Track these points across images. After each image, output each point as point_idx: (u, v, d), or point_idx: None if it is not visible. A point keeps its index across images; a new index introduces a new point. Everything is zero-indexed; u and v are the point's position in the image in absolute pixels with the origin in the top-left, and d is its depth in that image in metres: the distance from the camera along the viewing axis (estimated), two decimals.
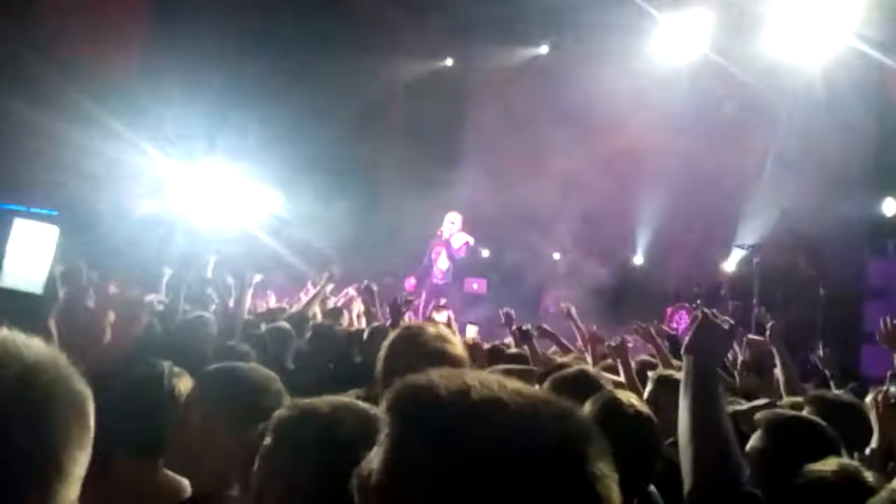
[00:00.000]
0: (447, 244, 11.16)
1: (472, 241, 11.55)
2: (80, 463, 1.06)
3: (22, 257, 1.84)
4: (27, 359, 1.05)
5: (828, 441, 2.39)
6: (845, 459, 2.26)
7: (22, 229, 1.85)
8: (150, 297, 5.87)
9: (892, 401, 3.12)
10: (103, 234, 9.67)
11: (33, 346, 1.08)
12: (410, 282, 11.17)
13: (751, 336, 5.35)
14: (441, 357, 2.24)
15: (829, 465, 2.13)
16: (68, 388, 1.07)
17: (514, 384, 0.97)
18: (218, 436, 1.92)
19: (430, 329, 2.44)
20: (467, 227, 11.75)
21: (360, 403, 1.60)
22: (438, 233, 11.16)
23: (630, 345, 4.95)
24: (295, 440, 1.51)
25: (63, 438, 1.04)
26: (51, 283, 1.88)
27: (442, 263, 11.18)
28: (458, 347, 2.36)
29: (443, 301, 9.64)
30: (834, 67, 11.11)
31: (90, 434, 1.09)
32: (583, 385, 2.86)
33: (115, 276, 7.58)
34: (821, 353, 5.74)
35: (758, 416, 2.63)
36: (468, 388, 0.94)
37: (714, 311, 2.18)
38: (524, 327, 5.34)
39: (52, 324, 1.87)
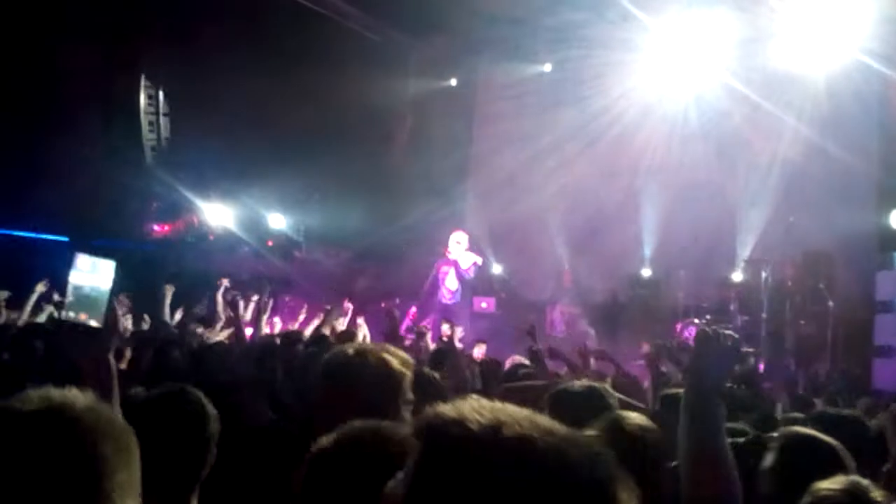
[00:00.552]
0: (455, 264, 11.12)
1: (480, 261, 11.55)
2: (129, 496, 1.13)
3: (85, 291, 1.91)
4: (71, 403, 1.13)
5: (839, 460, 2.41)
6: (854, 477, 2.28)
7: (84, 264, 1.93)
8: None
9: None
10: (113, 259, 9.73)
11: (75, 394, 1.15)
12: (412, 310, 11.07)
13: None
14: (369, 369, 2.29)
15: (836, 482, 2.15)
16: (113, 426, 1.15)
17: (546, 422, 0.97)
18: None
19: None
20: (473, 245, 11.77)
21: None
22: (446, 253, 11.12)
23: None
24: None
25: (109, 473, 1.11)
26: (111, 316, 1.93)
27: (451, 283, 11.14)
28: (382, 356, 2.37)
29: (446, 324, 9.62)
30: (839, 80, 11.17)
31: (137, 470, 1.16)
32: (591, 401, 2.88)
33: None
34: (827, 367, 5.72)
35: (776, 434, 2.65)
36: (500, 425, 0.94)
37: (716, 327, 2.15)
38: (534, 348, 5.41)
39: (111, 357, 1.90)
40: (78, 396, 1.15)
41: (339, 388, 2.26)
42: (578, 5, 12.52)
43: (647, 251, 12.83)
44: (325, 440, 1.65)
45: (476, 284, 12.05)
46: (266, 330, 7.58)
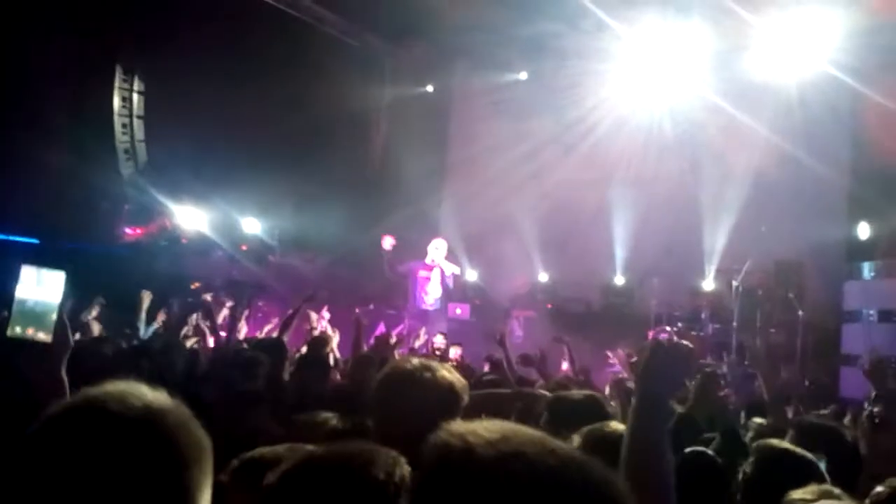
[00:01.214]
0: (441, 271, 11.04)
1: (458, 270, 11.56)
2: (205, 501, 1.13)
3: (29, 305, 1.85)
4: (153, 405, 1.11)
5: (814, 471, 2.45)
6: (827, 486, 2.31)
7: (29, 276, 1.87)
8: None
9: (877, 421, 3.19)
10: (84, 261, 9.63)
11: (156, 394, 1.14)
12: (381, 328, 10.94)
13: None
14: (430, 386, 2.24)
15: (809, 491, 2.18)
16: (191, 431, 1.13)
17: (561, 449, 0.94)
18: None
19: (416, 361, 2.43)
20: (449, 252, 11.76)
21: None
22: (430, 260, 11.03)
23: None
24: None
25: (189, 478, 1.10)
26: (60, 330, 1.88)
27: (434, 290, 11.05)
28: (444, 374, 2.33)
29: (423, 329, 9.56)
30: (811, 92, 11.37)
31: (211, 474, 1.15)
32: (591, 410, 2.89)
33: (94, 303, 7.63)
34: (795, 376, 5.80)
35: (754, 445, 2.68)
36: (511, 456, 0.90)
37: (673, 333, 2.16)
38: (494, 357, 5.51)
39: (63, 372, 1.85)
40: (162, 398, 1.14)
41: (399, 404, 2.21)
42: (553, 15, 12.61)
43: (621, 259, 12.93)
44: (285, 467, 1.54)
45: (451, 291, 12.04)
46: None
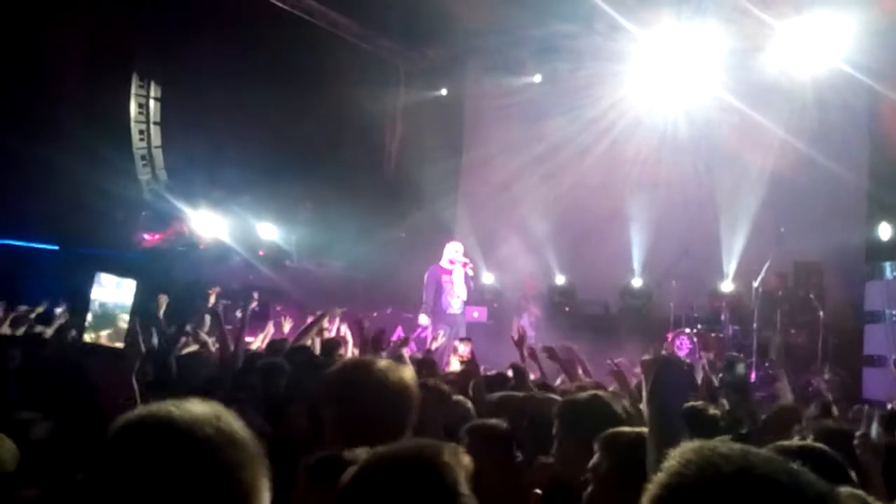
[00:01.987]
0: (464, 274, 10.92)
1: (471, 271, 11.49)
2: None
3: (107, 308, 1.86)
4: (223, 419, 1.15)
5: (836, 470, 2.40)
6: (857, 490, 2.27)
7: (108, 282, 1.88)
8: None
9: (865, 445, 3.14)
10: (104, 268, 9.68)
11: (222, 411, 1.18)
12: (399, 332, 10.85)
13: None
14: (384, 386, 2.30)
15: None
16: (254, 443, 1.18)
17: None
18: None
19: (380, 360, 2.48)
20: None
21: None
22: (451, 262, 10.92)
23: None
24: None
25: (255, 487, 1.14)
26: (132, 337, 1.88)
27: (460, 292, 10.90)
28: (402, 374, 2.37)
29: (442, 333, 9.48)
30: (828, 92, 11.29)
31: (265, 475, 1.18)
32: (597, 411, 2.87)
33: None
34: (826, 376, 5.72)
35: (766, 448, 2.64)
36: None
37: (693, 335, 2.20)
38: (519, 365, 5.45)
39: (134, 379, 1.85)
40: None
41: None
42: (567, 17, 12.60)
43: (638, 261, 12.86)
44: (357, 466, 1.59)
45: (468, 294, 12.01)
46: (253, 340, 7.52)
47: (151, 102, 11.72)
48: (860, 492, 2.28)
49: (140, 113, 11.67)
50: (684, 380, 2.12)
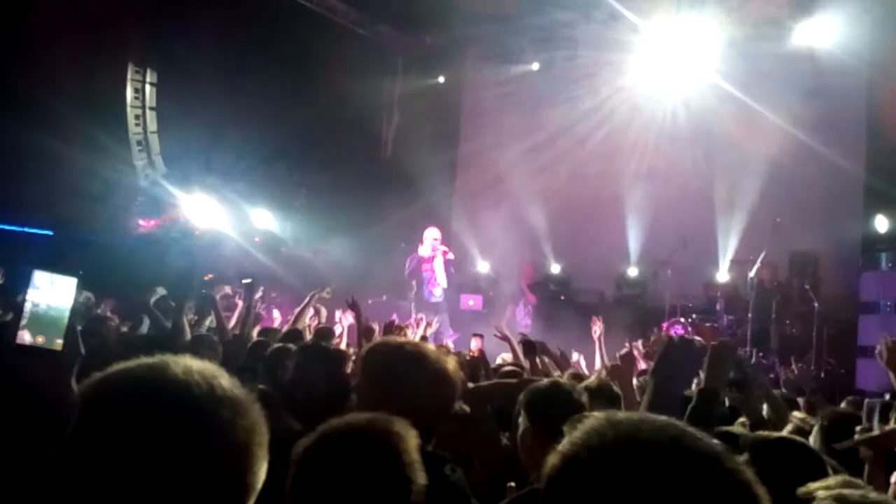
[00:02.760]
0: (445, 260, 11.05)
1: (451, 255, 11.59)
2: (261, 480, 1.12)
3: (40, 311, 1.80)
4: (227, 391, 1.09)
5: (813, 461, 2.40)
6: (847, 477, 2.26)
7: (41, 282, 1.82)
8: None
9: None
10: (98, 253, 9.68)
11: (221, 376, 1.11)
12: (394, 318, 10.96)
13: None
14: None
15: (828, 483, 2.13)
16: (255, 415, 1.11)
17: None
18: None
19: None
20: (457, 242, 11.77)
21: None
22: (433, 250, 11.03)
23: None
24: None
25: (253, 462, 1.09)
26: (71, 338, 1.83)
27: (441, 279, 11.06)
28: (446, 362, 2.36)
29: (435, 319, 9.53)
30: (828, 83, 11.28)
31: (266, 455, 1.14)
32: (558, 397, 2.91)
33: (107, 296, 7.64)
34: (793, 367, 5.70)
35: (742, 439, 2.64)
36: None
37: (687, 325, 2.21)
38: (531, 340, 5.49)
39: (73, 381, 1.80)
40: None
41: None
42: (565, 5, 12.55)
43: (635, 251, 12.85)
44: (311, 437, 1.63)
45: (463, 282, 12.06)
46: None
47: (147, 88, 11.67)
48: (850, 478, 2.27)
49: (136, 98, 11.62)
50: (693, 360, 2.10)
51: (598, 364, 6.07)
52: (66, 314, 1.80)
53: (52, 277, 1.78)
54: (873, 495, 2.10)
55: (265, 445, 1.11)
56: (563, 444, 0.97)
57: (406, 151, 14.25)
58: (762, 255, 10.50)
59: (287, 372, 4.80)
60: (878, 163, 10.90)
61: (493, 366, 5.82)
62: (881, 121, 10.86)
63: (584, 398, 2.95)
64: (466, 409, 3.33)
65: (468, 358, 5.57)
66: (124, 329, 6.50)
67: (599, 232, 12.70)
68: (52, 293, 1.77)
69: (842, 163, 11.09)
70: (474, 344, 6.53)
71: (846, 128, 11.42)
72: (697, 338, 2.17)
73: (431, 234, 11.22)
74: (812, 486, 2.13)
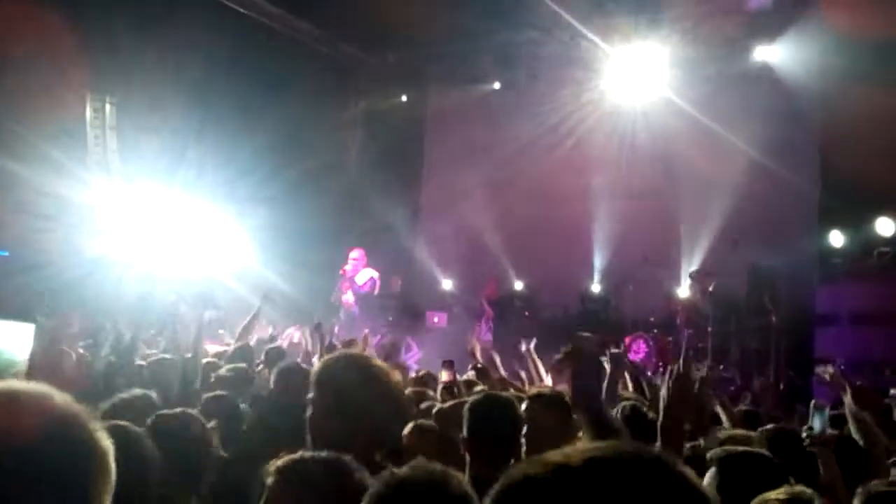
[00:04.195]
0: (351, 281, 11.42)
1: (376, 275, 11.79)
2: None
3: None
4: (56, 413, 1.06)
5: (776, 473, 2.45)
6: (799, 487, 2.31)
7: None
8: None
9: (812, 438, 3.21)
10: (54, 273, 9.51)
11: (59, 399, 1.08)
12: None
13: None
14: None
15: (780, 493, 2.18)
16: (95, 443, 1.08)
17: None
18: None
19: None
20: (370, 261, 12.04)
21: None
22: (342, 271, 11.42)
23: None
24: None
25: (93, 492, 1.05)
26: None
27: (348, 298, 11.43)
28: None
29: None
30: (779, 104, 11.56)
31: (112, 486, 1.10)
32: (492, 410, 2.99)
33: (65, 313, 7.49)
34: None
35: (710, 453, 2.70)
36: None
37: (647, 345, 2.20)
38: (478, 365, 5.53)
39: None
40: None
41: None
42: (527, 24, 12.70)
43: (598, 267, 12.98)
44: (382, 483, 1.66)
45: (428, 300, 12.13)
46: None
47: (108, 107, 11.53)
48: (800, 487, 2.31)
49: (95, 118, 11.47)
50: (596, 371, 2.10)
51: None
52: (19, 364, 1.76)
53: (9, 326, 1.73)
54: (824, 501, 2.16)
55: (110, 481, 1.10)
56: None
57: (370, 169, 14.27)
58: (720, 270, 10.69)
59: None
60: (832, 179, 11.17)
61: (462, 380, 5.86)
62: (835, 140, 11.13)
63: (521, 410, 3.02)
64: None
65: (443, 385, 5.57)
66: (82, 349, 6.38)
67: (563, 248, 12.80)
68: (9, 341, 1.72)
69: (798, 180, 11.37)
70: (445, 375, 6.33)
71: (801, 146, 11.69)
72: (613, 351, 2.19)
73: (352, 256, 11.65)
74: (766, 495, 2.18)
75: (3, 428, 1.01)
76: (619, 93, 12.93)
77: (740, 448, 2.92)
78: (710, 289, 10.69)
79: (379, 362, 2.51)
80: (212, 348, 6.94)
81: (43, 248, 10.11)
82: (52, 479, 1.01)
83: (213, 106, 11.47)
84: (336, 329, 10.03)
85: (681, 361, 2.24)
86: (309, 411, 2.36)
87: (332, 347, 5.82)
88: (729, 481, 2.42)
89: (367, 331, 7.98)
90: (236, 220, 12.07)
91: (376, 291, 11.74)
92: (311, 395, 2.39)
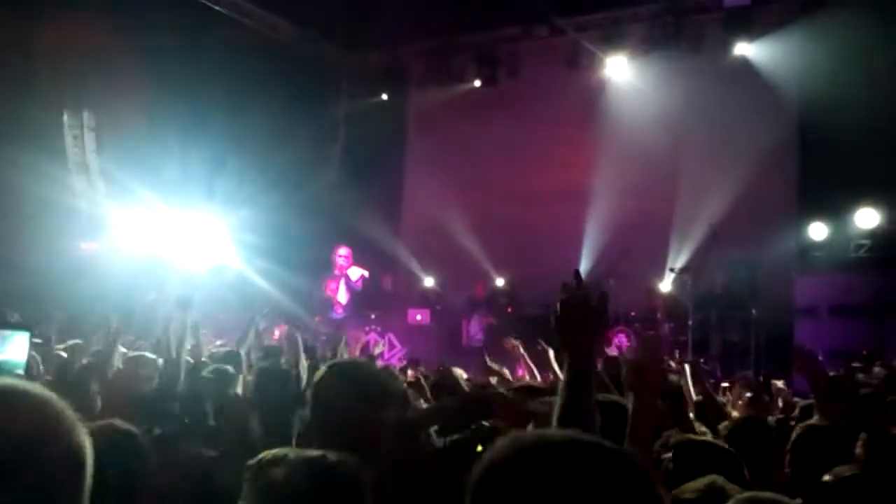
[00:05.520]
0: (346, 277, 11.45)
1: (366, 273, 11.86)
2: None
3: None
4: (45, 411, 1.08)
5: (730, 462, 2.50)
6: (715, 477, 2.29)
7: None
8: None
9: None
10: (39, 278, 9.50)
11: (44, 397, 1.09)
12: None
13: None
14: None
15: (699, 482, 2.20)
16: (73, 440, 1.09)
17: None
18: None
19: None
20: (358, 259, 12.12)
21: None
22: (337, 270, 11.48)
23: None
24: None
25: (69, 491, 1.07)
26: None
27: (342, 297, 11.42)
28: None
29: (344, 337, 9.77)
30: (759, 95, 11.66)
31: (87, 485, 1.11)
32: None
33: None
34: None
35: (671, 440, 2.75)
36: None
37: (628, 339, 2.17)
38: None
39: None
40: None
41: None
42: (508, 22, 12.76)
43: (580, 262, 13.01)
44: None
45: (410, 297, 12.19)
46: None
47: (85, 113, 11.48)
48: (716, 477, 2.32)
49: (74, 118, 11.42)
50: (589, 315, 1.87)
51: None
52: (20, 366, 1.76)
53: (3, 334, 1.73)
54: (786, 499, 2.20)
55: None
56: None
57: (352, 168, 14.28)
58: (700, 263, 10.76)
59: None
60: (811, 173, 11.28)
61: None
62: (813, 132, 11.23)
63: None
64: None
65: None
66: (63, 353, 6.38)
67: (545, 245, 12.83)
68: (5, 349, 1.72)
69: (777, 172, 11.49)
70: (410, 373, 6.43)
71: (781, 139, 11.79)
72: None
73: (341, 252, 11.69)
74: (685, 486, 2.19)
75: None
76: (599, 89, 13.02)
77: (699, 437, 2.98)
78: (689, 282, 10.77)
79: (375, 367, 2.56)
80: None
81: (24, 250, 10.08)
82: (40, 476, 1.03)
83: (194, 106, 11.46)
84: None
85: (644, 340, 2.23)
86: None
87: (312, 350, 5.84)
88: (682, 468, 2.48)
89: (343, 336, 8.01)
90: (217, 219, 12.05)
91: (389, 288, 11.76)
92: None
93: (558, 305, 1.93)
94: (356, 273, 11.69)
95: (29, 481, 1.01)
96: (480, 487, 1.03)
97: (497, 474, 1.02)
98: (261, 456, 1.75)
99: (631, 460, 1.04)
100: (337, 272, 11.57)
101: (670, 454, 2.60)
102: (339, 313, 11.58)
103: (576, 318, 1.88)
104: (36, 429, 1.04)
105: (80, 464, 1.07)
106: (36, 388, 1.11)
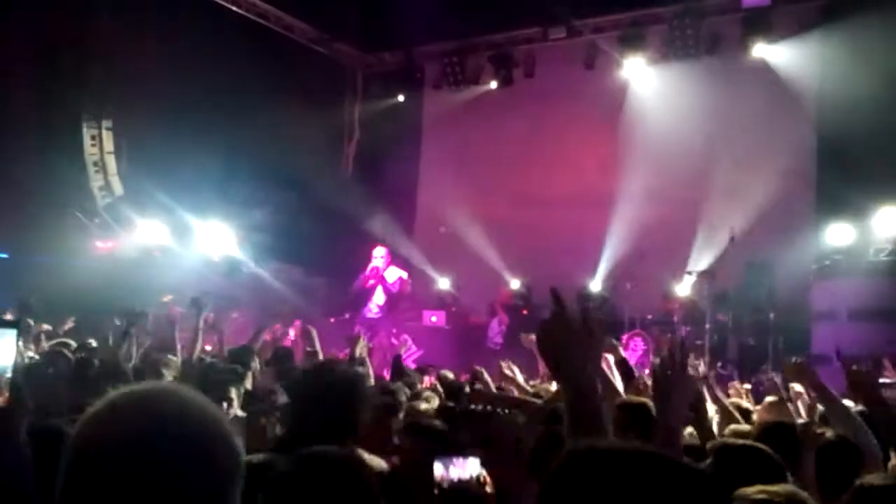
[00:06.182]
0: (382, 279, 11.37)
1: (405, 275, 11.79)
2: None
3: None
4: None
5: (773, 466, 2.46)
6: (791, 487, 2.29)
7: None
8: None
9: None
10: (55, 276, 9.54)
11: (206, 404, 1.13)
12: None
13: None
14: None
15: (777, 487, 2.17)
16: (234, 439, 1.13)
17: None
18: None
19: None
20: (395, 259, 12.06)
21: None
22: (373, 269, 11.39)
23: None
24: None
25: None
26: (16, 392, 1.77)
27: (379, 298, 11.36)
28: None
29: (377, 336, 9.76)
30: (778, 98, 11.58)
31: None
32: None
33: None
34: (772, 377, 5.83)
35: (708, 444, 2.71)
36: None
37: (644, 343, 2.13)
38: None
39: (22, 437, 1.72)
40: None
41: None
42: (523, 23, 12.72)
43: (597, 265, 12.95)
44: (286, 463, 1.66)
45: (424, 298, 12.16)
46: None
47: (104, 131, 11.52)
48: (794, 488, 2.31)
49: (94, 118, 11.47)
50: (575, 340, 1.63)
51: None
52: (6, 370, 1.74)
53: None
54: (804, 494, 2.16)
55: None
56: None
57: (367, 169, 14.28)
58: (717, 267, 10.68)
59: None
60: (829, 173, 11.19)
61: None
62: (832, 135, 11.14)
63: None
64: None
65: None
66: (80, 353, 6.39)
67: (561, 247, 12.76)
68: None
69: (795, 175, 11.40)
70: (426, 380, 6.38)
71: (799, 141, 11.70)
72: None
73: (378, 253, 11.58)
74: (745, 490, 2.16)
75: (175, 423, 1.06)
76: (616, 91, 12.96)
77: (739, 441, 2.93)
78: (707, 285, 10.69)
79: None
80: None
81: (43, 250, 10.13)
82: (213, 476, 1.07)
83: (209, 106, 11.48)
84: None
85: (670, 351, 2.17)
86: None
87: (314, 354, 5.80)
88: (723, 472, 2.43)
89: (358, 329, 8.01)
90: (233, 218, 12.07)
91: (408, 290, 11.70)
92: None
93: (539, 329, 1.73)
94: (393, 275, 11.58)
95: (204, 480, 1.05)
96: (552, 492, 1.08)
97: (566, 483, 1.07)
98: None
99: (698, 473, 1.10)
100: (371, 272, 11.45)
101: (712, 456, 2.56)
102: (374, 314, 11.48)
103: (559, 341, 1.69)
104: (204, 430, 1.08)
105: (240, 461, 1.11)
106: (191, 391, 1.14)
